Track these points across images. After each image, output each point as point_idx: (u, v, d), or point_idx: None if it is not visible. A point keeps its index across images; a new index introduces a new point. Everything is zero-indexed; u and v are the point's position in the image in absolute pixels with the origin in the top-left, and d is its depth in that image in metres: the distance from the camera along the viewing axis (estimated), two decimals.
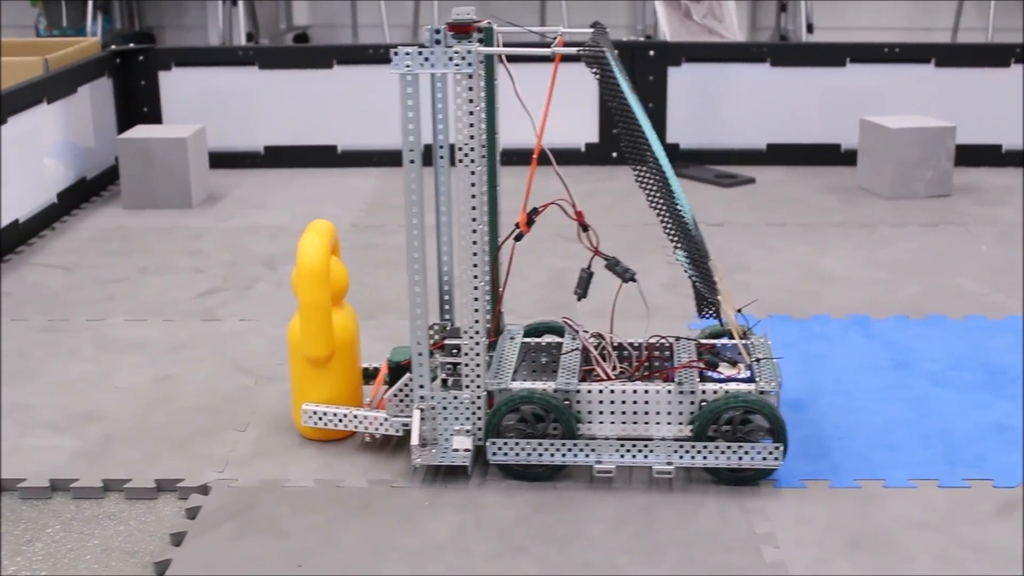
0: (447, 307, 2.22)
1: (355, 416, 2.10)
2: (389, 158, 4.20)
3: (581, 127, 4.14)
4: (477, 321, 1.98)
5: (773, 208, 3.65)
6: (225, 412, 2.28)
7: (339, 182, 4.00)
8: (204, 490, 2.00)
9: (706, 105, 4.16)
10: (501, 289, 2.13)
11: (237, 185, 3.95)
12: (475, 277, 1.97)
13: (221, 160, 4.09)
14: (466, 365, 2.00)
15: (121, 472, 2.05)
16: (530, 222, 2.02)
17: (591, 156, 4.14)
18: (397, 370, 2.12)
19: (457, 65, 1.90)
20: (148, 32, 6.43)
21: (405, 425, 2.07)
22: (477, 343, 1.98)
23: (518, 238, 2.04)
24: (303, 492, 1.98)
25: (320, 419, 2.11)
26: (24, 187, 3.38)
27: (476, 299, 1.97)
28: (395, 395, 2.08)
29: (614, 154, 4.16)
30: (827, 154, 4.17)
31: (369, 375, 2.23)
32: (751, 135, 4.18)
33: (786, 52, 4.21)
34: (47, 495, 2.01)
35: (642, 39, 5.14)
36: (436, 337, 2.17)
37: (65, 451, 2.13)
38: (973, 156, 4.08)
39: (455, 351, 2.06)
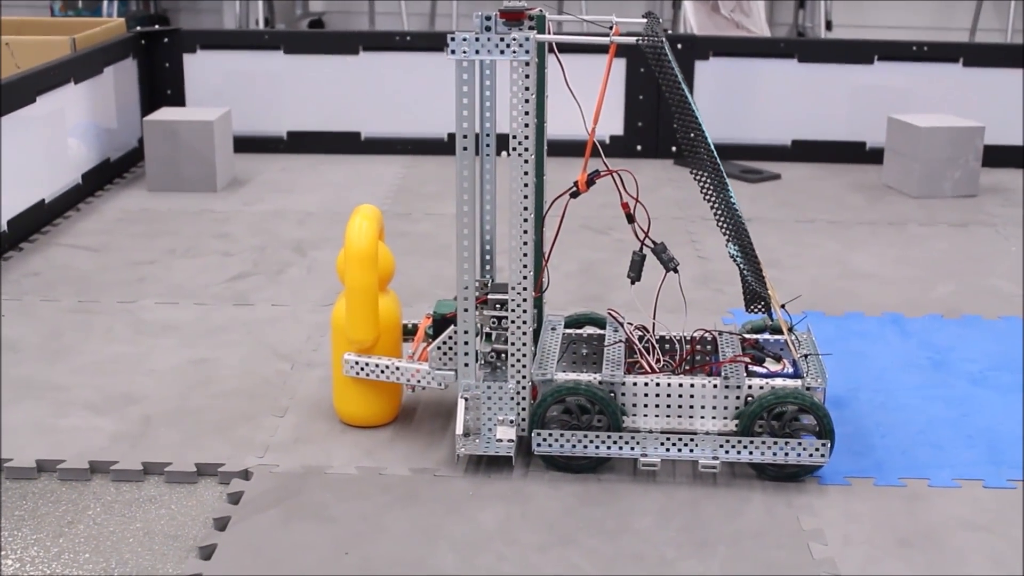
0: (488, 265, 2.19)
1: (397, 367, 2.08)
2: (413, 146, 4.19)
3: (606, 119, 4.12)
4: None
5: (801, 204, 3.63)
6: (263, 397, 2.26)
7: (364, 169, 3.99)
8: (246, 475, 1.98)
9: (732, 100, 4.14)
10: (550, 247, 2.10)
11: (261, 170, 3.93)
12: (524, 268, 1.96)
13: (244, 144, 4.08)
14: (512, 355, 1.99)
15: (161, 455, 2.04)
16: (590, 183, 2.00)
17: (616, 148, 4.12)
18: (442, 322, 2.10)
19: (515, 52, 1.88)
20: (163, 14, 6.41)
21: (447, 378, 2.06)
22: (523, 327, 1.97)
23: (574, 195, 2.02)
24: (346, 479, 1.96)
25: (362, 369, 2.09)
26: (50, 167, 3.37)
27: (524, 288, 1.96)
28: (439, 348, 2.06)
29: (639, 147, 4.15)
30: (852, 151, 4.15)
31: (408, 331, 2.21)
32: (776, 131, 4.17)
33: (813, 48, 4.19)
34: (86, 477, 1.99)
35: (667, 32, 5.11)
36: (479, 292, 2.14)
37: (104, 433, 2.11)
38: (998, 156, 4.06)
39: (499, 306, 2.05)
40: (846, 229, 3.38)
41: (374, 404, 2.13)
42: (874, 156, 4.08)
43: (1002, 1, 5.96)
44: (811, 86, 4.15)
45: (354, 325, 2.07)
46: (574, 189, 2.00)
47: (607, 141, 4.13)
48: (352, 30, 6.04)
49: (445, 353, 2.06)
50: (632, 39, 1.92)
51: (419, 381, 2.07)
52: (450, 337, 2.05)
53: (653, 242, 2.03)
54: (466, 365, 2.00)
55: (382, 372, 2.09)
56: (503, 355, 2.05)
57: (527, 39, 1.88)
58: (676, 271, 2.03)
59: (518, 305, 1.97)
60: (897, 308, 2.76)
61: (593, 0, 6.01)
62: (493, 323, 2.06)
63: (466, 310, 1.98)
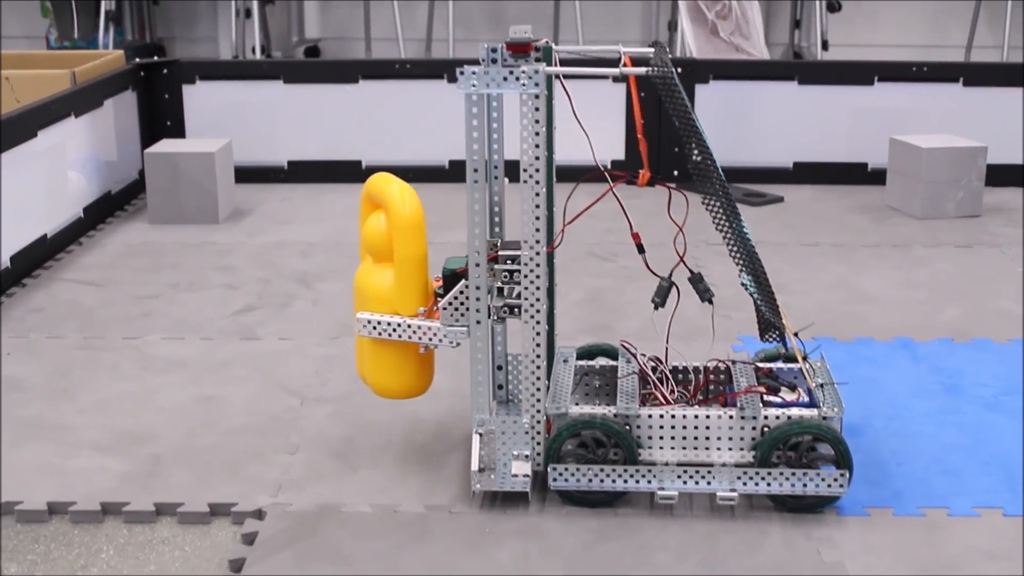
0: (496, 221, 2.13)
1: (409, 325, 2.02)
2: (415, 174, 4.15)
3: (607, 144, 4.11)
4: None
5: (805, 227, 3.62)
6: (273, 434, 2.24)
7: None
8: (259, 515, 1.96)
9: (733, 123, 4.14)
10: (584, 209, 2.07)
11: (262, 200, 3.92)
12: (537, 299, 1.94)
13: (244, 175, 4.06)
14: (525, 389, 1.97)
15: (172, 495, 2.01)
16: (651, 183, 1.99)
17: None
18: (452, 278, 2.03)
19: (524, 85, 1.87)
20: (159, 44, 6.41)
21: (460, 334, 2.00)
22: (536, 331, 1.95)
23: (629, 181, 2.00)
24: (361, 517, 1.94)
25: (375, 328, 2.03)
26: (51, 201, 3.35)
27: (538, 333, 1.95)
28: (450, 303, 2.00)
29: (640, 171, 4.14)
30: (854, 173, 4.15)
31: None
32: (778, 153, 4.17)
33: (814, 70, 4.20)
34: (98, 519, 1.97)
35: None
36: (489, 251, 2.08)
37: (114, 473, 2.09)
38: (999, 176, 4.05)
39: (510, 260, 2.00)
40: (851, 252, 3.38)
41: (407, 373, 2.08)
42: (876, 177, 4.07)
43: (997, 18, 5.96)
44: (812, 108, 4.15)
45: (404, 297, 2.02)
46: (632, 176, 2.00)
47: (608, 165, 4.11)
48: (351, 59, 6.04)
49: (457, 309, 2.01)
50: (643, 70, 1.92)
51: (431, 339, 2.02)
52: (461, 292, 2.00)
53: (690, 271, 2.03)
54: (478, 323, 1.97)
55: (394, 331, 2.03)
56: (515, 310, 2.01)
57: (536, 71, 1.87)
58: (711, 302, 2.03)
59: (531, 271, 1.94)
60: (906, 332, 2.75)
61: (589, 18, 6.02)
62: (505, 277, 2.01)
63: (478, 283, 1.96)
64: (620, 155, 4.14)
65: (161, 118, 4.14)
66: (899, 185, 3.81)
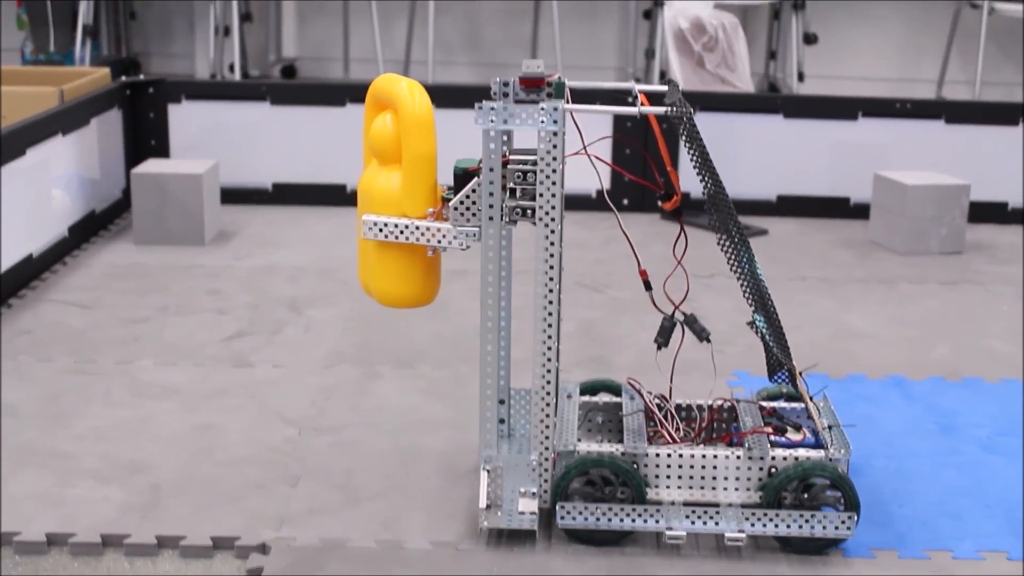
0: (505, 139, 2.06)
1: (417, 227, 1.96)
2: None
3: (592, 173, 4.11)
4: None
5: (791, 262, 3.64)
6: (273, 464, 2.22)
7: (350, 222, 3.93)
8: (263, 549, 1.94)
9: (718, 154, 4.12)
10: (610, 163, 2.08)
11: (247, 223, 3.89)
12: (549, 337, 1.94)
13: (228, 195, 4.02)
14: (534, 427, 1.97)
15: (174, 528, 1.99)
16: (677, 212, 1.99)
17: (603, 202, 4.11)
18: (463, 177, 1.98)
19: (543, 122, 1.87)
20: (135, 59, 6.37)
21: (470, 236, 1.95)
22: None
23: (661, 198, 2.04)
24: (367, 553, 1.93)
25: (381, 230, 1.98)
26: (37, 220, 3.31)
27: (547, 370, 1.94)
28: (460, 203, 1.96)
29: (625, 201, 4.15)
30: (837, 207, 4.18)
31: None
32: (762, 186, 4.19)
33: (798, 104, 4.22)
34: (99, 551, 1.94)
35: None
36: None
37: (113, 504, 2.06)
38: (980, 213, 4.09)
39: (524, 163, 1.95)
40: (838, 287, 3.39)
41: (414, 280, 2.03)
42: (858, 212, 4.10)
43: (970, 55, 6.03)
44: (796, 141, 4.17)
45: (413, 198, 1.95)
46: (663, 194, 2.00)
47: (593, 196, 4.12)
48: (338, 81, 6.03)
49: (468, 208, 1.96)
50: (663, 109, 1.93)
51: (440, 240, 1.97)
52: (473, 191, 1.95)
53: (683, 313, 2.04)
54: (490, 219, 1.93)
55: (402, 233, 1.97)
56: (528, 212, 1.96)
57: (555, 109, 1.87)
58: (708, 341, 2.03)
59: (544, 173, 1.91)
60: (898, 370, 2.77)
61: (567, 46, 6.04)
62: (518, 178, 1.96)
63: (492, 155, 1.95)
64: (605, 184, 4.14)
65: (145, 137, 4.11)
66: (883, 221, 3.84)
